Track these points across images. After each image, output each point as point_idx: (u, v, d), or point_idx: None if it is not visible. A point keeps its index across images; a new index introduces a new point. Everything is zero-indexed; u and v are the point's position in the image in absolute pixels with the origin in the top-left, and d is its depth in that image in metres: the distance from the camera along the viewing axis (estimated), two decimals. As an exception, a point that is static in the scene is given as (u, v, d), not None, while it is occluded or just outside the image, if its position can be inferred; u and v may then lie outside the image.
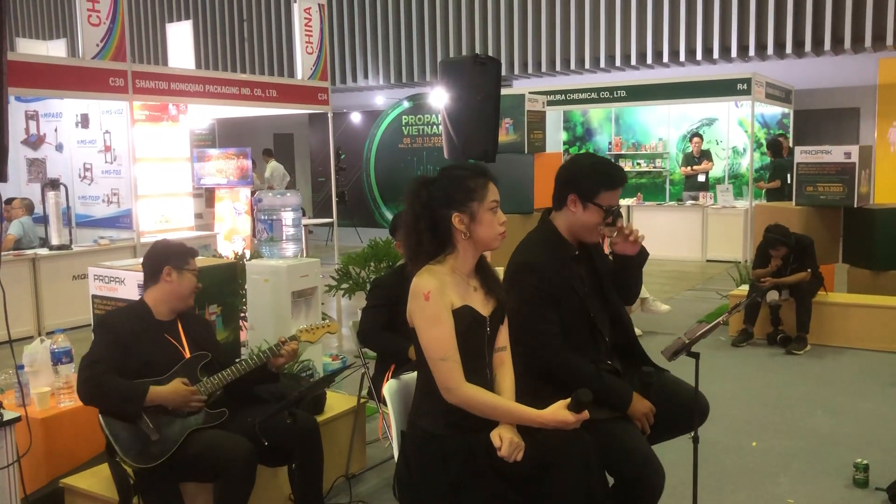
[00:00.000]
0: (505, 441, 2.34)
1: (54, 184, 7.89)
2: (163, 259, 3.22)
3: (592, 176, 2.83)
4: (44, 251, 7.76)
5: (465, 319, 2.44)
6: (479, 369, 2.48)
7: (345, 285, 6.60)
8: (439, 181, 2.51)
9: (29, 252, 7.68)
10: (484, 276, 2.57)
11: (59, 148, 9.80)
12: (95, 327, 3.21)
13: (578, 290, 2.82)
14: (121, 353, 3.02)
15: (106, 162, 9.33)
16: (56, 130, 9.81)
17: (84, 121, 9.41)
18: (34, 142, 10.05)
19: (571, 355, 2.75)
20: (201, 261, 4.25)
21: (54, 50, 13.52)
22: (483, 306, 2.52)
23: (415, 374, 2.62)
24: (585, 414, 2.33)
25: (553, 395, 2.43)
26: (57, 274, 7.68)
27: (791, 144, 11.32)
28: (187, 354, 3.16)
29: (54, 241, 7.81)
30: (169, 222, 9.92)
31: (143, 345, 3.07)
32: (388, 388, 2.69)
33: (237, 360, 3.19)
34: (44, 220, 7.93)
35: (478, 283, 2.54)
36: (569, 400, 2.33)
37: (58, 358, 3.63)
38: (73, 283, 7.71)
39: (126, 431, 2.92)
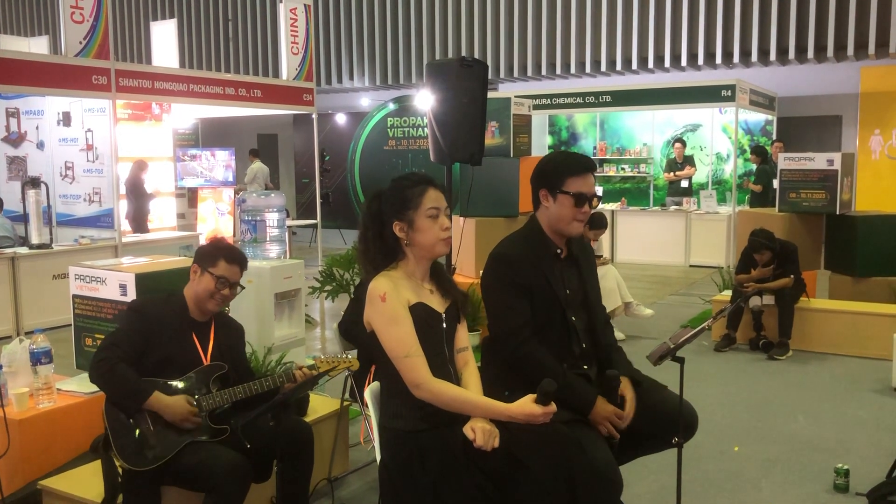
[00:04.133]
0: (478, 431, 2.35)
1: (35, 182, 7.80)
2: (197, 255, 3.20)
3: (556, 165, 2.87)
4: (24, 250, 7.66)
5: (420, 315, 2.49)
6: (441, 366, 2.51)
7: (328, 287, 6.58)
8: (386, 192, 2.58)
9: (8, 251, 7.58)
10: (439, 280, 2.64)
11: (41, 146, 9.70)
12: (128, 309, 3.16)
13: (555, 287, 2.81)
14: (142, 342, 2.98)
15: (88, 161, 9.25)
16: (37, 128, 9.72)
17: (66, 119, 9.33)
18: (15, 139, 9.95)
19: (538, 347, 2.75)
20: (184, 261, 4.21)
21: (36, 47, 13.39)
22: (439, 305, 2.58)
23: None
24: (553, 407, 2.31)
25: (524, 389, 2.41)
26: (37, 273, 7.60)
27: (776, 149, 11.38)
28: (206, 361, 3.11)
29: (34, 239, 7.72)
30: (151, 222, 9.85)
31: (166, 339, 3.03)
32: (371, 390, 2.69)
33: (253, 381, 3.13)
34: (24, 218, 7.84)
35: (433, 287, 2.61)
36: (535, 394, 2.32)
37: (37, 358, 3.58)
38: (54, 282, 7.62)
39: (125, 429, 2.88)
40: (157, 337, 3.02)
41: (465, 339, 2.65)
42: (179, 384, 3.01)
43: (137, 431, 2.88)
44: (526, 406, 2.33)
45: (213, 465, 2.82)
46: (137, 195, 9.44)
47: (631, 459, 3.06)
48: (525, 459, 2.38)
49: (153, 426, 2.90)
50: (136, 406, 2.88)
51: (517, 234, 2.94)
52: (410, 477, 2.41)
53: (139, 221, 9.48)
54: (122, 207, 8.73)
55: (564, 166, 2.84)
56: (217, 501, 2.78)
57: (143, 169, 9.52)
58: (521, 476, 2.37)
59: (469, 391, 2.51)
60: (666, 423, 2.80)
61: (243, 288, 3.26)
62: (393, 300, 2.44)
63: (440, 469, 2.38)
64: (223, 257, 3.15)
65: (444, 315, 2.57)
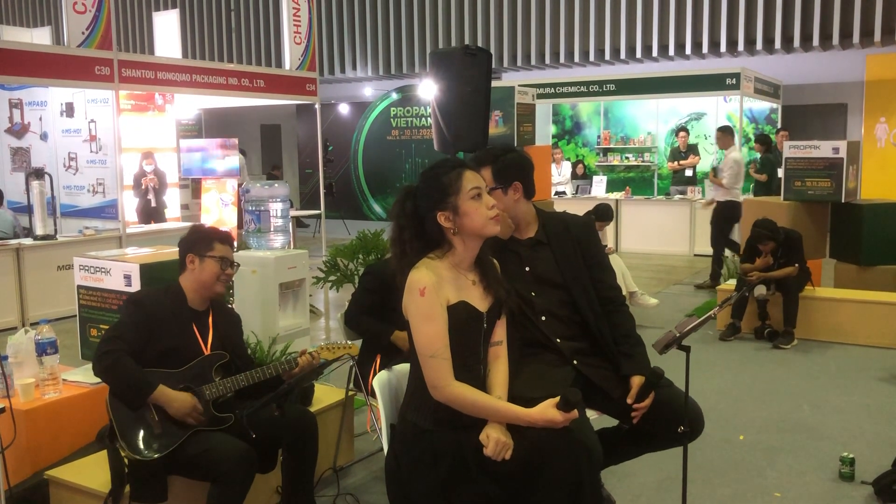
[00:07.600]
0: (491, 440, 2.32)
1: (39, 173, 7.80)
2: (187, 245, 3.18)
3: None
4: (28, 241, 7.68)
5: (460, 315, 2.42)
6: (471, 366, 2.46)
7: (332, 277, 6.57)
8: (419, 187, 2.50)
9: (13, 242, 7.60)
10: (484, 270, 2.54)
11: (44, 137, 9.71)
12: (127, 302, 3.16)
13: (509, 265, 2.77)
14: (144, 334, 2.98)
15: (91, 151, 9.25)
16: (41, 119, 9.72)
17: (69, 110, 9.32)
18: (18, 130, 9.95)
19: None
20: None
21: (39, 38, 13.36)
22: (481, 301, 2.49)
23: (406, 365, 2.60)
24: (574, 413, 2.30)
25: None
26: (41, 264, 7.61)
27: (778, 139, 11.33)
28: (207, 350, 3.11)
29: (39, 231, 7.73)
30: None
31: (168, 331, 3.03)
32: (378, 380, 2.68)
33: (254, 369, 3.14)
34: (28, 209, 7.85)
35: (477, 277, 2.52)
36: (557, 399, 2.31)
37: (42, 349, 3.58)
38: (58, 273, 7.63)
39: (130, 420, 2.88)
40: (158, 328, 3.02)
41: (502, 333, 2.58)
42: (181, 374, 3.01)
43: (142, 422, 2.89)
44: (547, 412, 2.32)
45: (219, 455, 2.82)
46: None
47: (635, 457, 3.05)
48: (541, 465, 2.34)
49: (158, 416, 2.90)
50: (141, 400, 2.89)
51: None
52: (419, 473, 2.39)
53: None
54: (128, 199, 8.72)
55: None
56: (223, 490, 2.79)
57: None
58: (534, 484, 2.35)
59: (489, 395, 2.44)
60: (670, 421, 2.74)
61: (239, 265, 3.27)
62: (431, 297, 2.35)
63: (450, 471, 2.36)
64: (216, 240, 3.17)
65: (485, 315, 2.49)
